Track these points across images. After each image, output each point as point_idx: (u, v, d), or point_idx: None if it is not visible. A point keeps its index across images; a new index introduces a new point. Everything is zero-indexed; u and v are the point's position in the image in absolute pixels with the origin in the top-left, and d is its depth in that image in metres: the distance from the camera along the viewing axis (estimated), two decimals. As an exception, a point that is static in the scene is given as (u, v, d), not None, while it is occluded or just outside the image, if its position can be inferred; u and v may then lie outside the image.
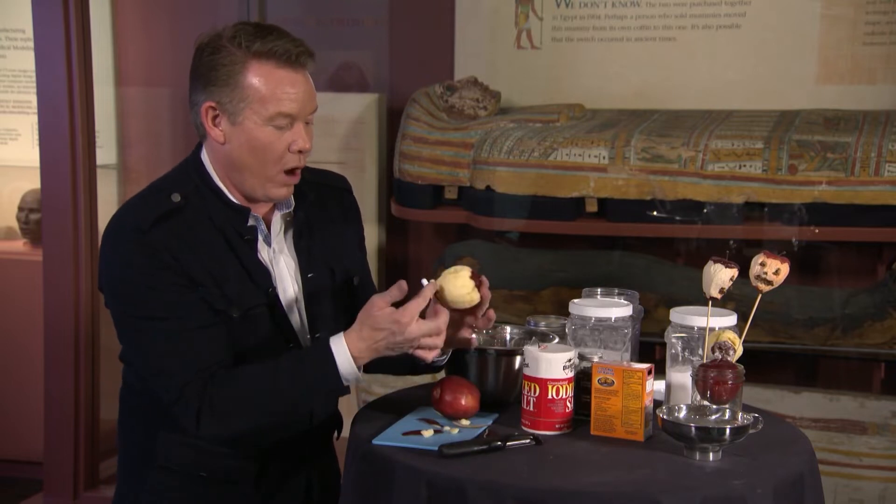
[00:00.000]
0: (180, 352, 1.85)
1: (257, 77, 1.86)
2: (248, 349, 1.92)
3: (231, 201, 1.95)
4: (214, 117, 1.90)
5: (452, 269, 1.89)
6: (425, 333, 1.82)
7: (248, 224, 1.96)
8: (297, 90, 1.88)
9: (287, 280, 2.01)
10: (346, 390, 1.88)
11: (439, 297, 1.87)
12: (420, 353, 1.85)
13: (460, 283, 1.87)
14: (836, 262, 3.56)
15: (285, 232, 2.04)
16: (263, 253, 1.98)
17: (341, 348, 1.83)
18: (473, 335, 1.98)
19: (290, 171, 1.93)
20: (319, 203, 2.09)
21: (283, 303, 1.98)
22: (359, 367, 1.85)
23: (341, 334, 1.84)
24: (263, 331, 1.94)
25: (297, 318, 2.01)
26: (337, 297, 2.08)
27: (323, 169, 2.18)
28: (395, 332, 1.81)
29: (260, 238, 1.98)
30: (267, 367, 1.87)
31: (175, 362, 1.86)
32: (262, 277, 1.95)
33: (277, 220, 2.02)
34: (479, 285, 1.89)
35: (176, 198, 1.90)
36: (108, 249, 1.91)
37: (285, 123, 1.89)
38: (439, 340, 1.84)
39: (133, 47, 4.20)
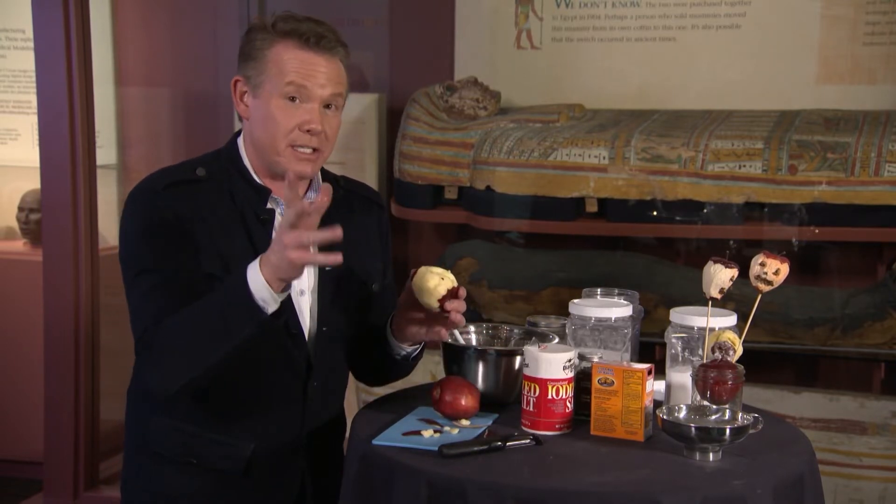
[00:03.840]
0: (158, 302, 1.87)
1: (279, 52, 1.94)
2: None
3: (254, 180, 1.99)
4: (243, 93, 1.98)
5: (443, 272, 1.90)
6: (289, 219, 1.71)
7: (267, 206, 1.98)
8: (312, 68, 1.94)
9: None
10: (261, 313, 1.77)
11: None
12: (297, 256, 1.71)
13: (433, 284, 1.89)
14: (836, 262, 3.56)
15: None
16: None
17: (254, 265, 1.77)
18: (444, 332, 1.98)
19: (301, 148, 1.95)
20: (348, 206, 2.11)
21: (294, 288, 1.97)
22: (270, 283, 1.75)
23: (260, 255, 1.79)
24: None
25: (305, 307, 2.02)
26: (351, 296, 2.09)
27: (361, 182, 2.24)
28: (280, 229, 1.74)
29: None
30: (193, 304, 1.84)
31: (150, 310, 1.87)
32: None
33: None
34: (451, 296, 1.89)
35: (200, 171, 1.98)
36: (123, 211, 1.98)
37: (296, 96, 1.93)
38: (303, 237, 1.70)
39: (133, 47, 4.20)
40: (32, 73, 3.62)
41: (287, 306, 1.89)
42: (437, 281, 1.89)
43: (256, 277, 1.76)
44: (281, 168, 1.96)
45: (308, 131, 1.94)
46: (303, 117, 1.94)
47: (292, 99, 1.93)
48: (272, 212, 1.99)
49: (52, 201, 3.52)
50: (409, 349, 2.07)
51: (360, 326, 2.12)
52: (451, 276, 1.92)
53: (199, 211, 1.93)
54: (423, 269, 1.92)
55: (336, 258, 1.74)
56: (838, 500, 3.30)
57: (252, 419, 1.98)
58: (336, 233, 1.74)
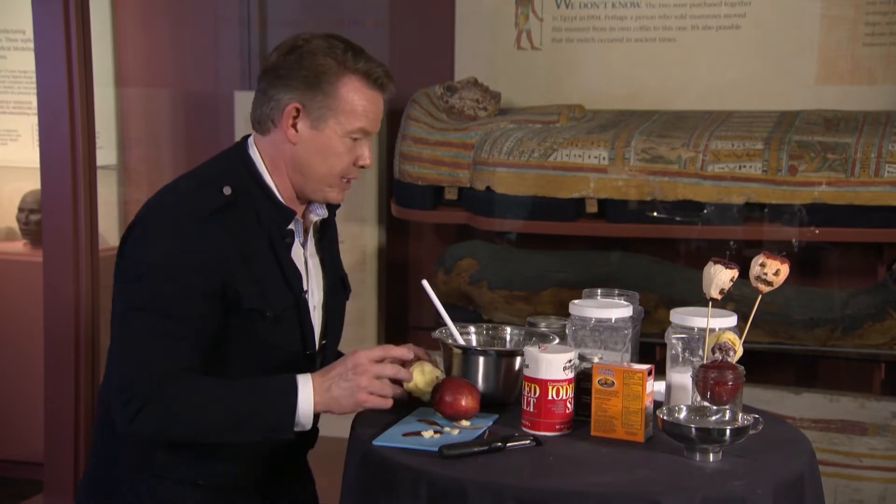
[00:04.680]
0: (154, 350, 1.82)
1: (350, 91, 1.92)
2: (270, 350, 1.93)
3: (279, 201, 1.96)
4: (295, 118, 1.93)
5: (421, 367, 1.98)
6: (378, 373, 1.84)
7: (289, 227, 1.97)
8: (377, 110, 1.96)
9: (315, 284, 2.03)
10: (292, 431, 1.85)
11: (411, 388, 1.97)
12: (368, 399, 1.84)
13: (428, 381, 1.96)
14: (836, 262, 3.56)
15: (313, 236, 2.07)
16: (297, 255, 2.00)
17: (306, 388, 1.83)
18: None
19: (348, 180, 1.99)
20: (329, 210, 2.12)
21: (311, 306, 2.00)
22: (316, 414, 1.85)
23: (309, 374, 1.85)
24: (287, 333, 1.96)
25: (317, 326, 2.04)
26: (342, 306, 2.12)
27: None
28: (347, 362, 1.84)
29: (296, 241, 2.00)
30: (229, 383, 1.85)
31: (142, 357, 1.82)
32: (295, 280, 1.96)
33: (312, 225, 2.04)
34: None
35: (227, 191, 1.91)
36: (153, 229, 1.88)
37: (360, 137, 1.95)
38: (388, 389, 1.86)
39: (133, 47, 4.20)
40: (32, 73, 3.61)
41: (291, 355, 1.96)
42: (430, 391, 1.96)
43: (307, 405, 1.83)
44: (321, 197, 1.98)
45: (362, 166, 1.97)
46: (359, 152, 1.96)
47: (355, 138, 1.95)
48: (292, 233, 1.98)
49: (52, 202, 3.52)
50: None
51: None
52: (437, 374, 1.99)
53: (237, 241, 1.88)
54: (423, 378, 1.97)
55: (387, 403, 1.87)
56: (838, 501, 3.30)
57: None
58: (404, 375, 1.90)
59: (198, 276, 1.84)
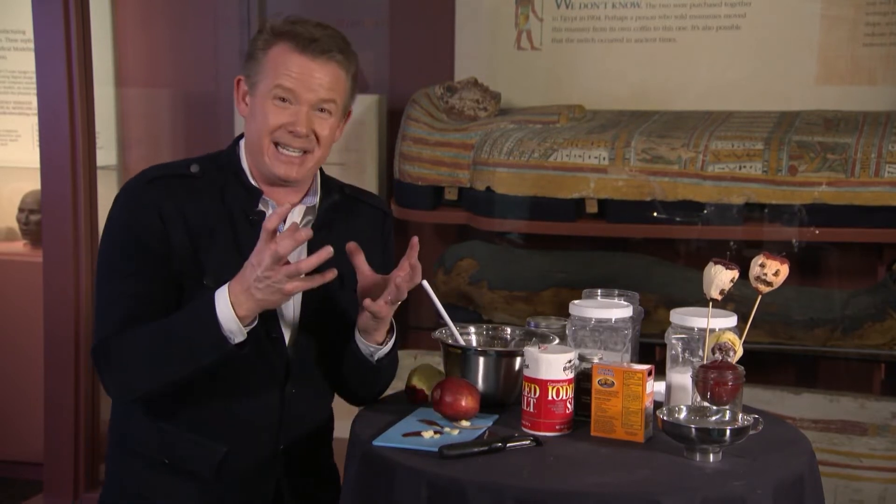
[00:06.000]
0: (124, 312, 1.89)
1: (276, 54, 1.95)
2: None
3: (248, 182, 2.00)
4: (244, 92, 2.01)
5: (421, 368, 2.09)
6: (268, 262, 1.74)
7: (258, 207, 1.98)
8: (304, 71, 1.94)
9: None
10: (227, 343, 1.80)
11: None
12: (295, 287, 1.77)
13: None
14: (836, 262, 3.56)
15: (304, 226, 2.04)
16: None
17: (223, 295, 1.80)
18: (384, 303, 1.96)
19: (285, 148, 1.96)
20: (349, 213, 2.11)
21: None
22: (242, 319, 1.79)
23: (227, 285, 1.81)
24: None
25: (290, 311, 2.02)
26: (338, 305, 2.06)
27: (367, 190, 2.25)
28: (253, 263, 1.77)
29: None
30: (159, 322, 1.87)
31: (114, 318, 1.89)
32: None
33: (297, 211, 2.04)
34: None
35: (194, 168, 2.00)
36: (114, 201, 1.99)
37: (286, 97, 1.94)
38: (300, 267, 1.75)
39: (133, 47, 4.20)
40: (32, 74, 3.61)
41: (252, 336, 1.86)
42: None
43: (227, 312, 1.79)
44: (268, 170, 1.98)
45: (291, 132, 1.95)
46: (289, 118, 1.95)
47: (283, 100, 1.94)
48: (262, 213, 1.98)
49: (52, 202, 3.52)
50: (374, 347, 2.02)
51: (346, 337, 2.06)
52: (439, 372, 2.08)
53: (183, 209, 1.93)
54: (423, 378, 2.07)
55: (326, 277, 1.80)
56: (838, 501, 3.30)
57: (226, 422, 1.98)
58: (327, 251, 1.76)
59: (146, 232, 1.91)
